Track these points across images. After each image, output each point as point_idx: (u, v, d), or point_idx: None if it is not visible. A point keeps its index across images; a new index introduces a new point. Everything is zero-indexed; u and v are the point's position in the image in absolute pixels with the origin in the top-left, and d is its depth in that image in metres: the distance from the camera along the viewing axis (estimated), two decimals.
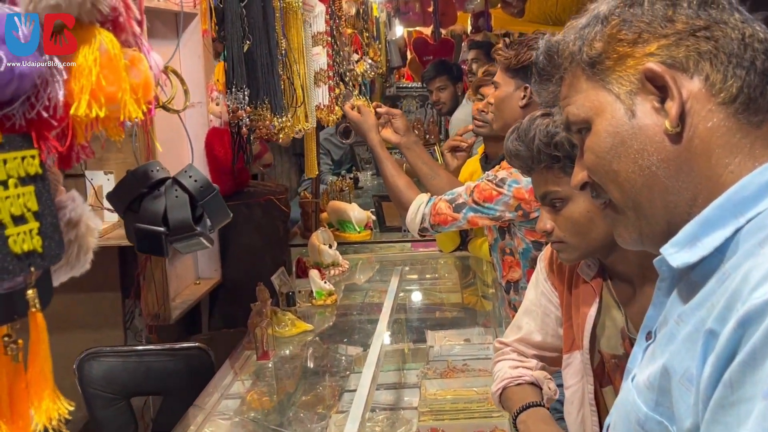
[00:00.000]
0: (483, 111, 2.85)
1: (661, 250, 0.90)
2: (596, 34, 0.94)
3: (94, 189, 2.70)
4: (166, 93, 1.16)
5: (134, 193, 1.14)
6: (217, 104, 3.27)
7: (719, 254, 0.84)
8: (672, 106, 0.87)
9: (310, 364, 2.84)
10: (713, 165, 0.87)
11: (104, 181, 2.88)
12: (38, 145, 0.77)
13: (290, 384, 2.68)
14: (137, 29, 0.87)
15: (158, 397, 2.76)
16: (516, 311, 1.90)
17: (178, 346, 2.75)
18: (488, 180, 2.34)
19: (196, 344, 2.71)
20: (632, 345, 1.00)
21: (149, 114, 0.88)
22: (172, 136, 2.42)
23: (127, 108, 0.81)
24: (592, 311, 1.63)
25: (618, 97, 0.91)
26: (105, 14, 0.82)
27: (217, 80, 3.04)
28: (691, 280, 0.87)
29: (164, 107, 1.11)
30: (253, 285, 2.80)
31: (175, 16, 3.23)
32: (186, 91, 1.19)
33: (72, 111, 0.78)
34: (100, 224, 0.92)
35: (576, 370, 1.68)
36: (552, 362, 1.83)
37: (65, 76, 0.77)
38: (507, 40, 2.81)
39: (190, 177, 1.15)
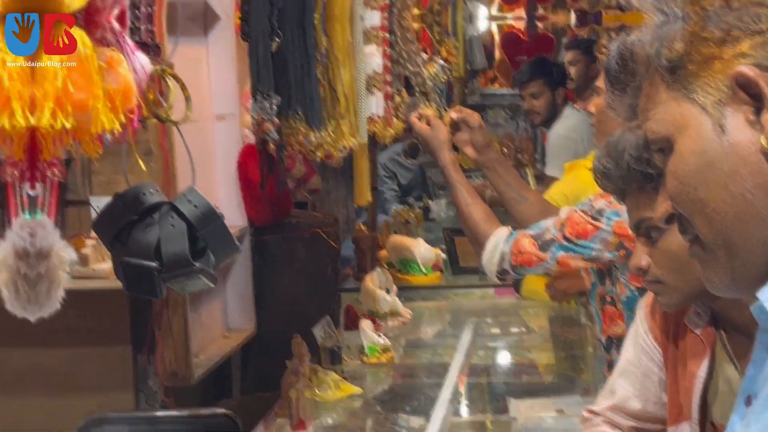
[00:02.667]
0: None
1: (759, 294, 0.89)
2: (676, 33, 0.94)
3: None
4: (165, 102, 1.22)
5: (123, 221, 1.19)
6: None
7: None
8: None
9: None
10: None
11: None
12: None
13: None
14: (116, 25, 0.93)
15: None
16: None
17: (199, 412, 2.80)
18: (583, 211, 2.33)
19: (221, 410, 2.76)
20: None
21: (131, 125, 0.94)
22: (198, 155, 2.48)
23: (99, 118, 0.86)
24: (702, 370, 1.61)
25: (704, 108, 0.91)
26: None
27: None
28: None
29: (158, 117, 1.16)
30: None
31: (204, 11, 3.35)
32: (188, 99, 1.24)
33: (34, 121, 0.83)
34: (73, 255, 0.97)
35: None
36: None
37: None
38: (613, 34, 2.80)
39: (189, 202, 1.19)
